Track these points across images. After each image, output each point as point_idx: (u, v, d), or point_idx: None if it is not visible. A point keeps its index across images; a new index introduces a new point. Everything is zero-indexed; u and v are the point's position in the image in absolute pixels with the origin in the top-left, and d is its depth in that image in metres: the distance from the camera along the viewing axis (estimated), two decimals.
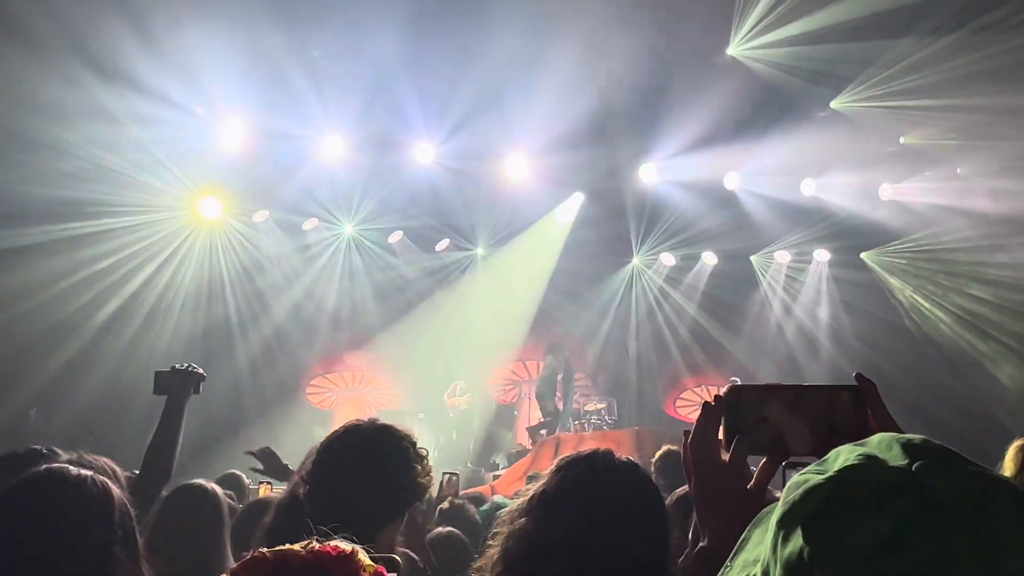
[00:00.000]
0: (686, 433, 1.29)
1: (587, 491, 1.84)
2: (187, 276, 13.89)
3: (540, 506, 1.84)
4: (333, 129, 13.02)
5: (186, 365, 3.45)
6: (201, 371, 3.43)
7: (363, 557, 1.09)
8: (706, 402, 1.27)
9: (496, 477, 12.27)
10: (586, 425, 13.37)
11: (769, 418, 1.20)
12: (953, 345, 14.74)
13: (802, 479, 0.79)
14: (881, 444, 0.80)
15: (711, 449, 1.26)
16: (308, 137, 12.98)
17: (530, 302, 15.50)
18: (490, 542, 1.91)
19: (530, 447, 13.12)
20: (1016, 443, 2.59)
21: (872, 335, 15.09)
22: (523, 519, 1.84)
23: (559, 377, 13.83)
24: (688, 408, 16.21)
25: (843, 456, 0.79)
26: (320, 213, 14.53)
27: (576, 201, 15.18)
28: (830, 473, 0.77)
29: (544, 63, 11.52)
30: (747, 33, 12.02)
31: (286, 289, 14.76)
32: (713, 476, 1.25)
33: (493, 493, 8.37)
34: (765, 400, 1.21)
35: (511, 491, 8.10)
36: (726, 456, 1.25)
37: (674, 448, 4.83)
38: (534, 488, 1.91)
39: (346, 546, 1.10)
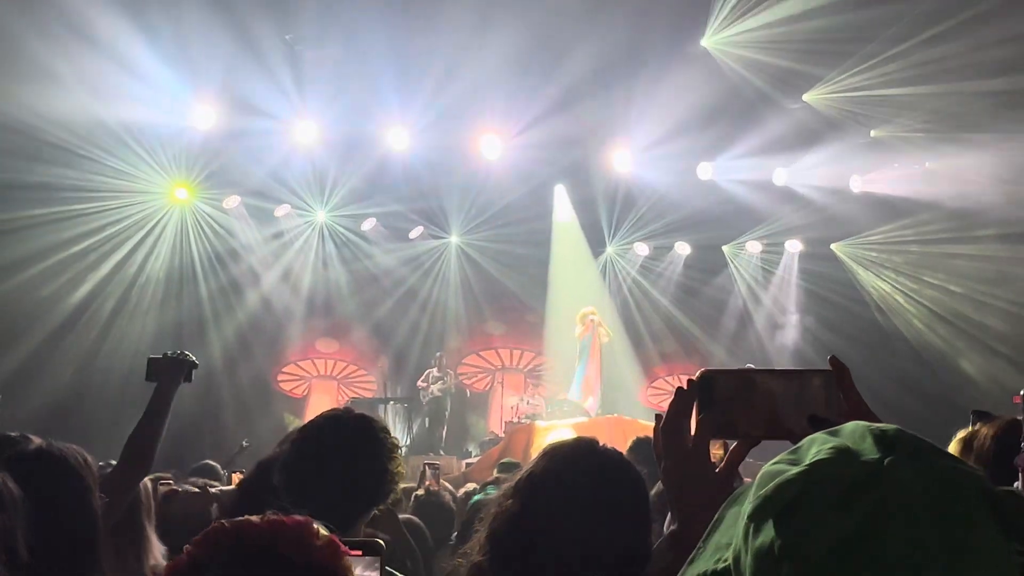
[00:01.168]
0: (658, 417, 1.29)
1: (573, 475, 1.89)
2: (159, 262, 13.77)
3: (527, 488, 1.88)
4: (306, 114, 12.96)
5: (178, 352, 3.36)
6: (193, 358, 3.36)
7: (319, 526, 1.11)
8: (679, 387, 1.27)
9: (468, 465, 12.29)
10: (558, 413, 13.43)
11: (741, 402, 1.21)
12: (921, 337, 14.92)
13: (774, 470, 0.79)
14: (854, 435, 0.80)
15: (682, 433, 1.25)
16: (280, 121, 12.91)
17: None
18: (477, 526, 1.95)
19: (502, 435, 13.18)
20: (959, 435, 2.61)
21: (841, 325, 15.25)
22: (509, 501, 1.88)
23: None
24: (660, 397, 16.20)
25: (815, 447, 0.79)
26: (292, 199, 14.47)
27: (561, 194, 15.34)
28: (801, 467, 0.77)
29: (517, 48, 11.48)
30: (721, 26, 12.10)
31: (259, 277, 14.69)
32: (683, 460, 1.25)
33: (466, 480, 8.40)
34: (737, 384, 1.22)
35: (484, 478, 8.13)
36: (693, 440, 1.26)
37: (644, 437, 4.95)
38: (521, 472, 1.95)
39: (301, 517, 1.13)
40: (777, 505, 0.76)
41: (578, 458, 1.94)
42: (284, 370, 15.60)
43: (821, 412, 1.15)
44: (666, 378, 16.33)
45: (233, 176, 13.62)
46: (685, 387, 1.25)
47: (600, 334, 13.47)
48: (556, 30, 11.57)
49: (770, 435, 1.19)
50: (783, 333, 15.93)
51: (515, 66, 11.87)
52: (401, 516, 3.92)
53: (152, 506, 3.31)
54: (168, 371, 3.29)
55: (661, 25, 11.64)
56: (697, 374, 1.25)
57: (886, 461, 0.75)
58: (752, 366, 13.06)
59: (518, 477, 1.94)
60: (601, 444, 2.02)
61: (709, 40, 12.36)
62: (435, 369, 14.54)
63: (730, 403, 1.22)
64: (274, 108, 12.57)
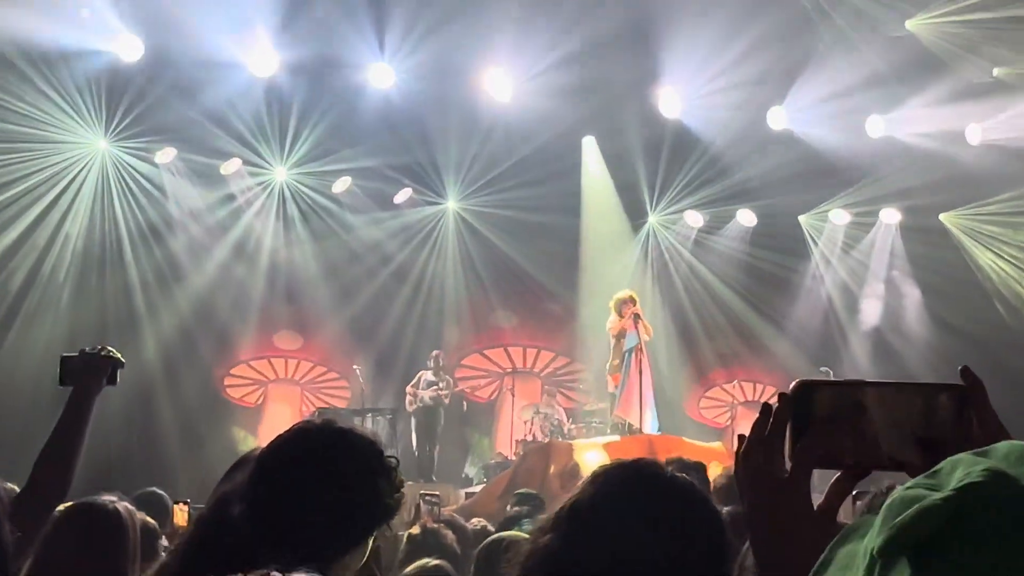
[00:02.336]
0: (740, 439, 1.32)
1: (629, 506, 1.88)
2: (76, 228, 13.79)
3: (571, 520, 1.87)
4: (260, 42, 12.94)
5: (99, 348, 3.42)
6: (118, 355, 3.43)
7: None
8: (766, 403, 1.28)
9: (469, 495, 12.34)
10: (585, 430, 13.51)
11: (846, 424, 1.22)
12: None
13: (911, 495, 0.80)
14: (1010, 456, 0.81)
15: (771, 461, 1.27)
16: (227, 51, 12.84)
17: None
18: (505, 568, 1.98)
19: (513, 457, 13.23)
20: None
21: (953, 319, 15.12)
22: (547, 536, 1.87)
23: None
24: (716, 410, 16.31)
25: (962, 469, 0.80)
26: (243, 152, 14.43)
27: (591, 147, 15.38)
28: (948, 491, 0.78)
29: None
30: None
31: (204, 254, 14.77)
32: (773, 494, 1.27)
33: (468, 516, 8.43)
34: (842, 401, 1.23)
35: (489, 513, 8.21)
36: (789, 469, 1.27)
37: (689, 460, 5.04)
38: (562, 501, 1.95)
39: None
40: (916, 538, 0.77)
41: (636, 485, 1.93)
42: (233, 372, 15.63)
43: (948, 436, 1.17)
44: (724, 386, 16.33)
45: (167, 121, 13.61)
46: (776, 402, 1.27)
47: (641, 330, 13.35)
48: None
49: (883, 465, 1.22)
50: (876, 327, 15.82)
51: None
52: (430, 562, 3.96)
53: (139, 553, 3.32)
54: (86, 372, 3.33)
55: None
56: (792, 386, 1.26)
57: None
58: (827, 371, 12.97)
59: (559, 507, 1.93)
60: (667, 468, 2.02)
61: None
62: (430, 372, 14.47)
63: (833, 424, 1.23)
64: (218, 35, 12.55)
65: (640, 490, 1.91)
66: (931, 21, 12.98)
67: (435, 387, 14.38)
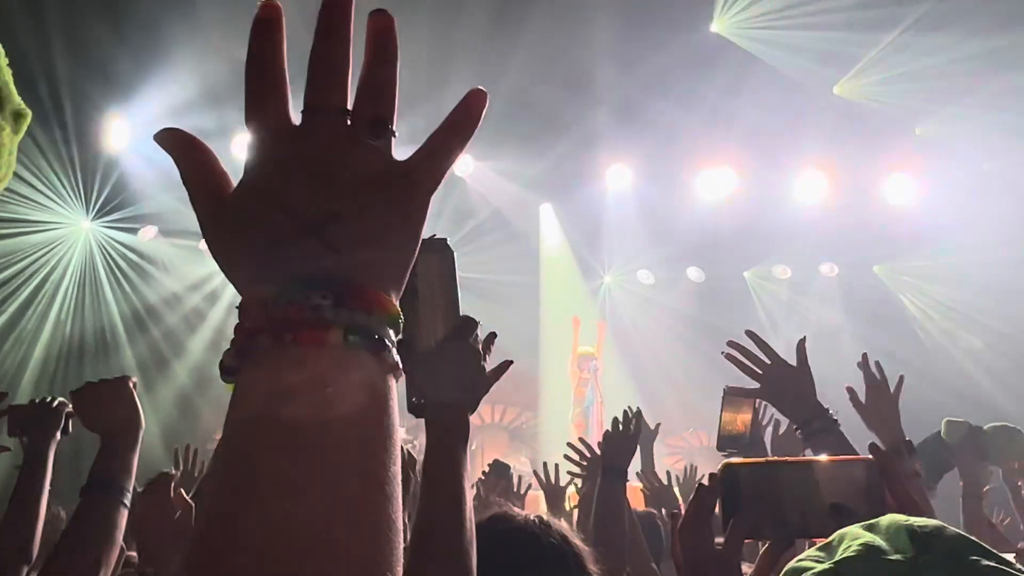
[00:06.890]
0: (674, 516, 1.47)
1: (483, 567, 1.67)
2: (64, 315, 13.82)
3: None
4: (236, 123, 11.98)
5: (47, 397, 3.24)
6: (67, 402, 3.16)
7: None
8: (700, 483, 1.42)
9: None
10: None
11: (770, 498, 1.35)
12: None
13: (800, 567, 0.88)
14: (890, 530, 0.88)
15: (705, 535, 1.40)
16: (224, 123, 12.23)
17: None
18: None
19: None
20: None
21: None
22: None
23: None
24: (674, 458, 15.42)
25: (846, 542, 0.88)
26: None
27: (547, 214, 16.08)
28: (827, 564, 0.86)
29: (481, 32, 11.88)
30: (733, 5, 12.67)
31: (195, 328, 14.97)
32: (707, 565, 1.38)
33: None
34: (766, 477, 1.38)
35: None
36: (722, 543, 1.39)
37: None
38: None
39: None
40: None
41: (483, 541, 1.76)
42: (217, 437, 15.16)
43: (861, 507, 1.29)
44: (684, 434, 16.40)
45: (145, 202, 13.67)
46: (706, 483, 1.42)
47: (599, 386, 14.16)
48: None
49: (805, 534, 1.36)
50: (822, 376, 16.18)
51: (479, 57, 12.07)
52: None
53: None
54: (35, 424, 3.16)
55: (661, 13, 12.04)
56: (719, 467, 1.41)
57: (920, 560, 0.84)
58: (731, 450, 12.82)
59: None
60: (515, 517, 2.01)
61: (721, 23, 12.89)
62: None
63: (759, 500, 1.36)
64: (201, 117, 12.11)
65: (482, 549, 1.72)
66: (856, 86, 13.46)
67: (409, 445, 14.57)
